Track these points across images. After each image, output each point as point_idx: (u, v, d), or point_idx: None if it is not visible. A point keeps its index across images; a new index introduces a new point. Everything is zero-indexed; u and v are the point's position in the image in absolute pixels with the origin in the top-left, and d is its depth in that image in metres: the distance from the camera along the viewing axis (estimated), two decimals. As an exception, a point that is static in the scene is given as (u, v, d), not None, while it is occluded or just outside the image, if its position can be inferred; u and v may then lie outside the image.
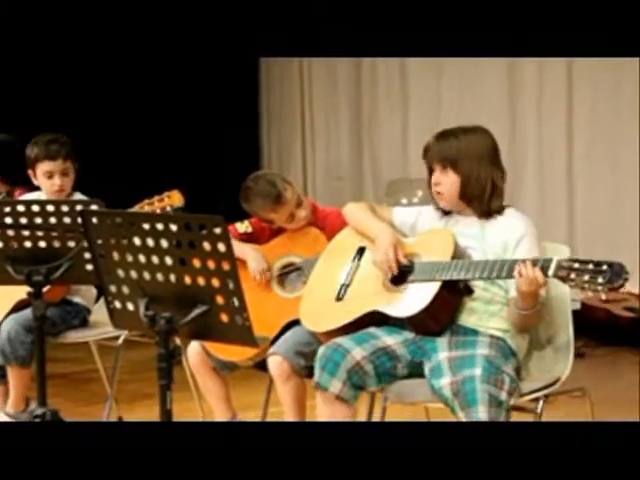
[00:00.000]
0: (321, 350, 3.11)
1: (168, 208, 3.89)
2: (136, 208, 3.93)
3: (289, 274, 3.74)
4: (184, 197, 3.94)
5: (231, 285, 2.59)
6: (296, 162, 7.81)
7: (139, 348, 4.72)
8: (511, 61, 6.40)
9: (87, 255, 3.41)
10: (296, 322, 3.54)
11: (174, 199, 3.89)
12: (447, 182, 3.17)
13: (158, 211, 3.90)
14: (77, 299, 4.20)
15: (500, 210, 3.17)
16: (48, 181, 4.13)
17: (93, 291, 4.23)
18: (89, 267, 3.43)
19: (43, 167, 4.12)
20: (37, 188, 4.34)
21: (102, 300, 4.17)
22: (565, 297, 3.21)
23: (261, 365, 3.74)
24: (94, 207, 3.37)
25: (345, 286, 3.30)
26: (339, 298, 3.30)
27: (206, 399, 3.83)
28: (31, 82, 6.78)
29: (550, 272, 2.84)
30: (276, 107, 7.93)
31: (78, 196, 4.18)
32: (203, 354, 3.67)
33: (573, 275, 2.78)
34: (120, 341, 4.10)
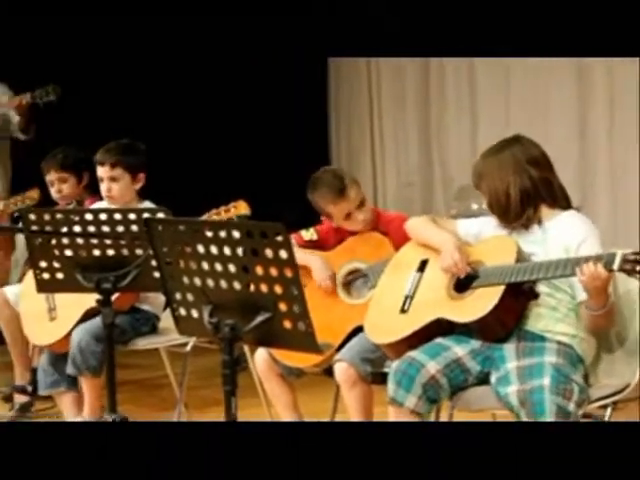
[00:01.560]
0: (395, 365, 3.11)
1: (234, 217, 3.92)
2: (204, 217, 3.96)
3: (355, 280, 3.73)
4: (250, 206, 3.95)
5: (294, 292, 2.60)
6: (365, 169, 7.76)
7: (209, 354, 4.73)
8: (580, 63, 6.30)
9: (154, 262, 3.46)
10: (362, 328, 3.53)
11: (240, 209, 3.91)
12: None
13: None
14: (146, 306, 4.23)
15: (541, 217, 3.18)
16: (101, 185, 4.24)
17: (161, 298, 4.25)
18: (156, 274, 3.45)
19: (97, 172, 4.25)
20: None
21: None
22: (634, 295, 3.16)
23: (328, 371, 3.75)
24: (160, 215, 3.41)
25: (409, 298, 3.29)
26: (403, 310, 3.29)
27: (274, 405, 3.84)
28: (102, 93, 6.87)
29: (615, 266, 2.82)
30: (344, 112, 7.88)
31: (147, 204, 4.23)
32: (270, 360, 3.68)
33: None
34: (188, 348, 4.13)
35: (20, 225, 3.79)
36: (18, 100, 5.84)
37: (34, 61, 6.45)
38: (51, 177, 4.78)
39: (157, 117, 6.93)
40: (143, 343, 4.23)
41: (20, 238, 5.25)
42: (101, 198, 4.49)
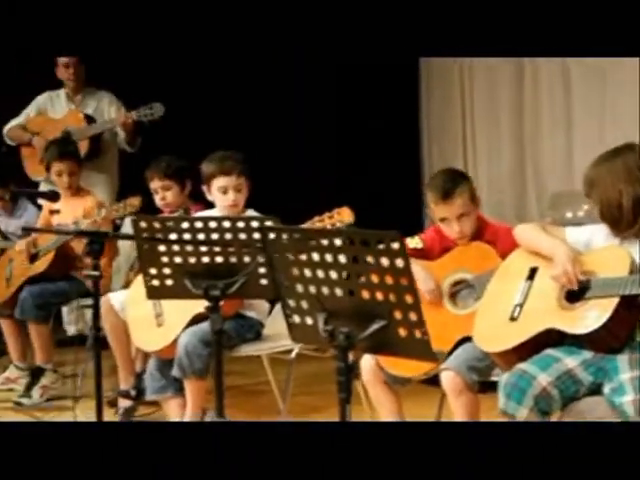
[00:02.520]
0: (505, 377, 3.09)
1: (338, 224, 3.91)
2: (307, 224, 3.97)
3: (460, 290, 3.71)
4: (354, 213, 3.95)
5: (409, 300, 2.60)
6: None
7: (309, 361, 4.77)
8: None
9: (262, 270, 3.49)
10: (468, 338, 3.52)
11: (344, 215, 3.90)
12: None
13: (329, 227, 3.94)
14: (251, 313, 4.27)
15: None
16: (222, 196, 4.24)
17: (266, 305, 4.30)
18: (263, 282, 3.50)
19: (218, 182, 4.24)
20: (211, 205, 4.46)
21: (274, 314, 4.29)
22: None
23: (430, 380, 3.74)
24: (269, 223, 3.43)
25: (519, 306, 3.26)
26: (513, 318, 3.26)
27: (378, 413, 3.84)
28: (204, 103, 6.96)
29: None
30: (436, 116, 7.79)
31: (251, 213, 4.27)
32: (376, 368, 3.68)
33: None
34: (293, 355, 4.16)
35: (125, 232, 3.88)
36: (124, 118, 6.00)
37: (141, 76, 6.60)
38: (155, 185, 4.85)
39: (252, 126, 7.01)
40: (248, 350, 4.27)
41: (123, 244, 5.37)
42: (206, 206, 4.55)
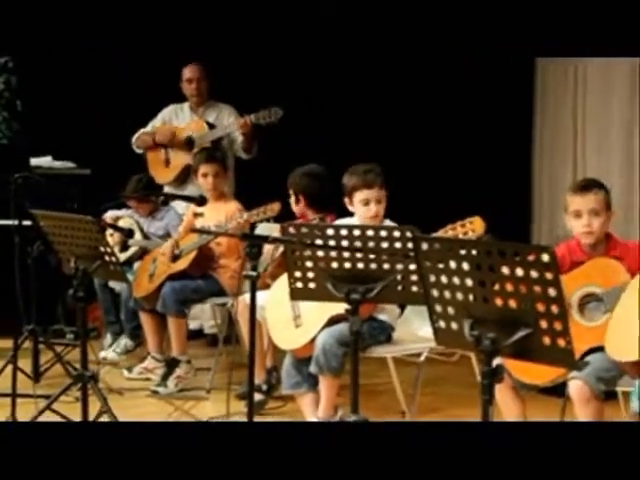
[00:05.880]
0: (638, 383, 3.10)
1: (470, 233, 3.89)
2: (440, 233, 3.99)
3: (589, 303, 3.72)
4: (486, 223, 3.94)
5: (555, 310, 2.64)
6: (565, 176, 7.42)
7: (431, 364, 4.80)
8: None
9: (399, 277, 3.56)
10: (595, 349, 3.53)
11: (476, 225, 3.86)
12: None
13: (461, 236, 3.95)
14: (383, 317, 4.34)
15: None
16: (365, 207, 4.30)
17: (397, 310, 4.37)
18: (399, 288, 3.57)
19: (360, 195, 4.29)
20: (344, 215, 4.53)
21: (403, 318, 4.36)
22: None
23: (548, 390, 3.76)
24: (408, 233, 3.49)
25: None
26: None
27: (503, 415, 3.86)
28: (337, 115, 7.06)
29: None
30: (549, 116, 7.48)
31: (388, 222, 4.32)
32: (506, 374, 3.70)
33: None
34: (422, 357, 4.22)
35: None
36: (243, 121, 6.11)
37: (257, 84, 6.75)
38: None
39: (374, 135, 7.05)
40: (381, 351, 4.34)
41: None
42: (340, 215, 4.63)
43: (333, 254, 3.55)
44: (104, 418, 4.30)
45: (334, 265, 3.56)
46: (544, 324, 2.66)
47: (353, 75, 7.17)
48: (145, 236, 5.99)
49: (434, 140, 7.32)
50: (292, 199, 4.95)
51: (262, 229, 4.91)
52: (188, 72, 6.51)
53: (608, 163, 7.10)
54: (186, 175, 6.29)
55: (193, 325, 6.61)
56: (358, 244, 3.53)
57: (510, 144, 7.33)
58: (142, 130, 6.57)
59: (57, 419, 4.52)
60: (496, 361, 2.76)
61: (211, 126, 6.37)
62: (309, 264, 3.62)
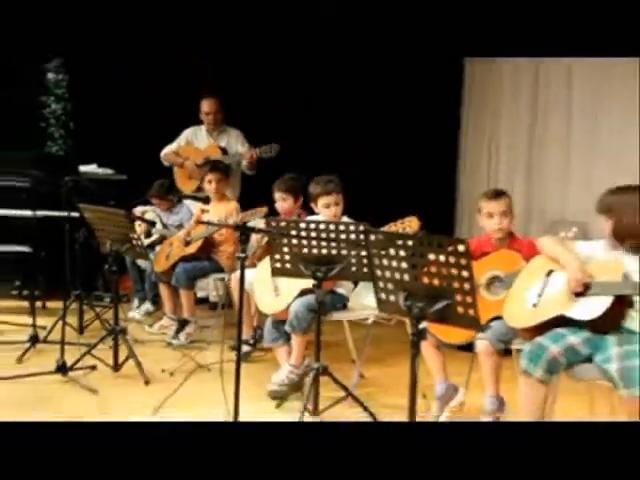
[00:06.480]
0: (527, 346, 3.13)
1: (408, 229, 3.78)
2: (385, 228, 3.95)
3: (494, 283, 3.72)
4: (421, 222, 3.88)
5: (467, 287, 2.64)
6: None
7: (379, 327, 4.76)
8: None
9: (353, 260, 3.55)
10: (497, 318, 3.54)
11: (412, 223, 3.81)
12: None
13: (400, 231, 3.90)
14: (341, 290, 4.30)
15: None
16: (326, 210, 4.27)
17: (351, 285, 4.34)
18: (353, 269, 3.56)
19: (323, 200, 4.26)
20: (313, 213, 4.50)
21: (356, 291, 4.33)
22: None
23: (462, 347, 3.74)
24: (362, 227, 3.48)
25: (539, 296, 3.28)
26: (534, 305, 3.28)
27: (428, 367, 3.84)
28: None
29: None
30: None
31: (345, 219, 4.28)
32: (429, 335, 3.71)
33: None
34: (370, 321, 4.20)
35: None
36: (250, 154, 6.05)
37: (260, 116, 6.63)
38: (276, 196, 4.85)
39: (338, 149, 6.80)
40: (338, 316, 4.30)
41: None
42: (311, 213, 4.60)
43: (304, 242, 3.55)
44: (130, 362, 4.28)
45: (305, 250, 3.57)
46: (459, 297, 2.66)
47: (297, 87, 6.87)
48: (164, 226, 5.93)
49: (380, 151, 7.09)
50: (281, 201, 4.84)
51: (252, 222, 4.86)
52: (206, 106, 6.32)
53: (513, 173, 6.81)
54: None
55: (200, 294, 6.53)
56: (323, 235, 3.53)
57: (440, 159, 7.16)
58: (170, 147, 6.40)
59: (95, 362, 4.50)
60: (422, 325, 2.75)
61: (224, 151, 6.26)
62: (286, 249, 3.62)
